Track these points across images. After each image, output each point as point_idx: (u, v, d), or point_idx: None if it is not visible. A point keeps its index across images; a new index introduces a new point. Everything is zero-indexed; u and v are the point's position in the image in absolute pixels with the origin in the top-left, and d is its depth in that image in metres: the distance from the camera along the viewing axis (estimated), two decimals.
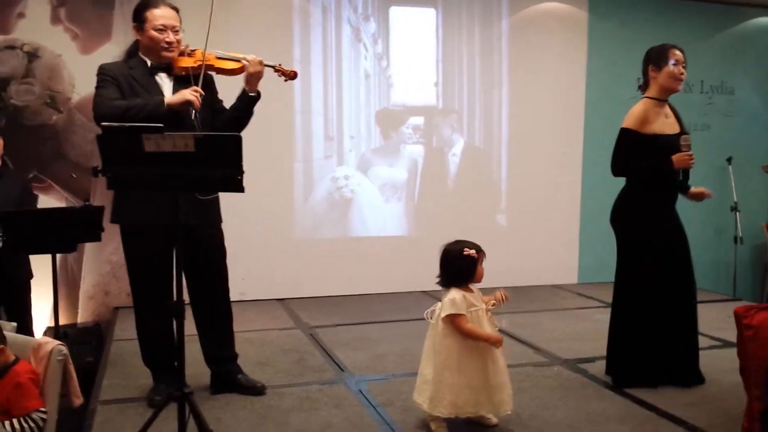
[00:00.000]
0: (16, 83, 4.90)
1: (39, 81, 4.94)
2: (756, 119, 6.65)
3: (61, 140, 5.01)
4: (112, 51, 5.02)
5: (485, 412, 2.95)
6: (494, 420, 3.04)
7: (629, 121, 3.49)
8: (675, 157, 3.42)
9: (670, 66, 3.46)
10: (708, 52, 6.30)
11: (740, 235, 6.12)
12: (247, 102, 3.28)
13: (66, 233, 3.59)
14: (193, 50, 3.26)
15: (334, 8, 5.57)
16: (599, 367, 3.82)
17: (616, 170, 3.55)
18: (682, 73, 3.48)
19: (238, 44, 3.43)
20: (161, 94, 3.18)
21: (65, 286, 5.03)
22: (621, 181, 3.64)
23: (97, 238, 3.72)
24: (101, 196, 4.96)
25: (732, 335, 3.23)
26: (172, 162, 2.55)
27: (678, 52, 3.48)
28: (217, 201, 3.34)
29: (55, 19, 5.00)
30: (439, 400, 2.88)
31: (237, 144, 2.62)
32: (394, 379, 3.65)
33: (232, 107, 3.35)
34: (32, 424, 2.39)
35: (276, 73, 3.34)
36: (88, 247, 5.06)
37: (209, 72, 3.31)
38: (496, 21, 5.97)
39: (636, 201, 3.54)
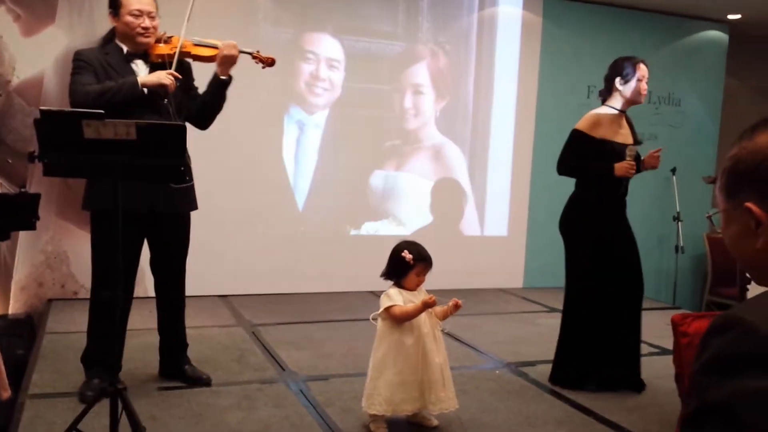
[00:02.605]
0: None
1: None
2: (701, 131, 6.82)
3: None
4: (54, 34, 4.89)
5: (421, 409, 2.96)
6: (435, 422, 3.04)
7: (581, 123, 3.58)
8: (617, 165, 3.49)
9: (637, 81, 3.52)
10: (657, 63, 6.39)
11: (681, 244, 6.26)
12: (219, 86, 3.28)
13: None
14: (170, 37, 3.25)
15: None
16: (540, 371, 3.86)
17: (561, 169, 3.63)
18: (645, 89, 3.56)
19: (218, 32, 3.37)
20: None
21: None
22: (569, 188, 3.68)
23: (31, 226, 3.56)
24: (38, 183, 4.79)
25: (669, 342, 3.29)
26: (113, 150, 2.48)
27: (645, 67, 3.55)
28: (191, 188, 3.31)
29: None
30: (375, 397, 2.89)
31: (180, 134, 2.57)
32: (336, 380, 3.61)
33: (203, 93, 3.34)
34: None
35: (253, 60, 3.34)
36: (22, 236, 4.86)
37: (186, 59, 3.29)
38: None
39: (583, 207, 3.60)
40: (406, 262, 2.91)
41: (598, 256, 3.54)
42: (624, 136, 3.60)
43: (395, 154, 5.91)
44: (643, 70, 3.53)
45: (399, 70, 5.86)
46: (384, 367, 2.90)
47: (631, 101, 3.57)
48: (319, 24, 5.59)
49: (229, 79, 3.29)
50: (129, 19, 3.12)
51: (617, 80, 3.56)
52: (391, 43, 5.82)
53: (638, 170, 3.59)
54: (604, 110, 3.60)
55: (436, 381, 2.90)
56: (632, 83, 3.52)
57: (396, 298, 2.90)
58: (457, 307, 2.94)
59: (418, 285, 2.97)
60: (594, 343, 3.54)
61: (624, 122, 3.63)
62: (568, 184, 3.66)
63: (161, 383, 3.41)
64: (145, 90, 3.09)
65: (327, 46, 5.64)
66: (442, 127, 6.01)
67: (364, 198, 5.85)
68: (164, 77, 3.07)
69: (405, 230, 5.85)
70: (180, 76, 3.13)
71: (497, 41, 6.09)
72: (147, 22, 3.14)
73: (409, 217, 5.94)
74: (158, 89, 3.08)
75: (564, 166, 3.61)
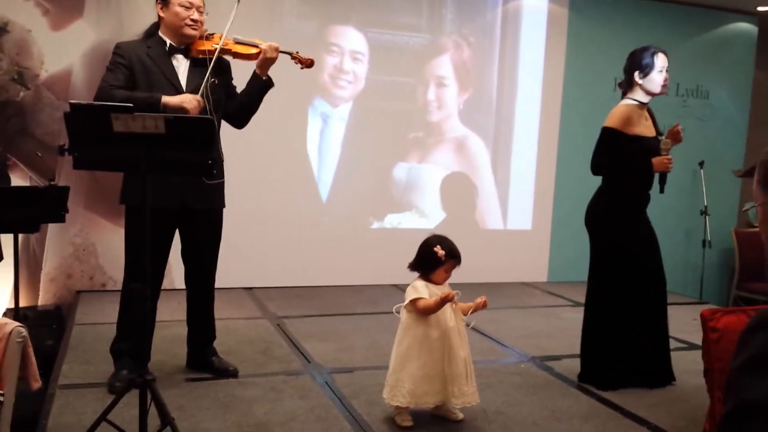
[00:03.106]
0: None
1: (7, 56, 4.80)
2: (730, 124, 6.73)
3: (28, 118, 4.88)
4: (82, 28, 4.95)
5: (444, 401, 2.96)
6: (460, 415, 3.04)
7: (613, 120, 3.47)
8: (655, 160, 3.44)
9: (656, 72, 3.44)
10: (685, 55, 6.35)
11: (709, 239, 6.19)
12: (259, 87, 3.33)
13: (29, 213, 3.49)
14: (212, 34, 3.30)
15: None
16: (565, 365, 3.84)
17: (596, 168, 3.53)
18: (666, 79, 3.48)
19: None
20: (176, 76, 3.21)
21: (26, 267, 4.91)
22: (594, 182, 3.64)
23: (60, 219, 3.63)
24: (67, 176, 4.85)
25: (697, 338, 3.26)
26: (141, 143, 2.49)
27: (664, 57, 3.46)
28: (222, 185, 3.35)
29: None
30: (398, 389, 2.89)
31: (209, 128, 2.58)
32: (360, 372, 3.62)
33: (242, 92, 3.38)
34: None
35: (293, 61, 3.37)
36: (51, 229, 4.94)
37: (226, 57, 3.32)
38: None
39: (611, 202, 3.54)
40: (438, 258, 2.91)
41: (622, 252, 3.51)
42: (649, 128, 3.54)
43: (418, 146, 5.90)
44: (662, 59, 3.45)
45: (422, 63, 5.84)
46: (407, 360, 2.90)
47: (652, 93, 3.49)
48: (343, 17, 5.59)
49: (271, 81, 3.33)
50: (179, 9, 3.16)
51: (637, 73, 3.47)
52: (415, 35, 5.81)
53: None
54: (630, 104, 3.51)
55: (460, 375, 2.90)
56: (653, 75, 3.44)
57: (422, 290, 2.90)
58: (483, 305, 2.93)
59: (445, 280, 2.96)
60: (616, 340, 3.50)
61: (646, 114, 3.57)
62: (595, 177, 3.61)
63: (189, 374, 3.45)
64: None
65: (351, 39, 5.64)
66: (465, 120, 5.99)
67: (387, 190, 5.85)
68: (188, 101, 3.08)
69: (428, 222, 5.85)
70: (203, 105, 3.13)
71: (522, 33, 6.06)
72: (195, 15, 3.19)
73: (432, 209, 5.94)
74: (179, 112, 3.06)
75: (599, 167, 3.52)
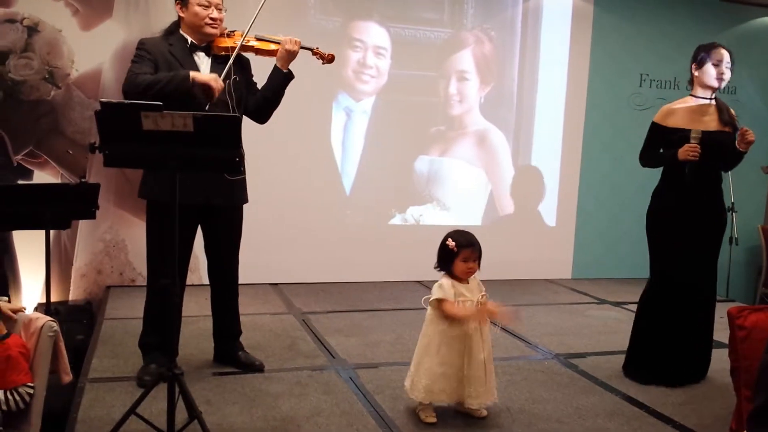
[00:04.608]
0: (14, 57, 4.84)
1: (38, 56, 4.89)
2: (757, 120, 6.61)
3: (59, 116, 4.97)
4: (111, 28, 5.02)
5: (458, 401, 2.98)
6: (484, 412, 3.05)
7: (657, 114, 3.66)
8: (680, 149, 3.45)
9: (710, 65, 3.51)
10: None
11: (736, 236, 6.11)
12: (280, 80, 3.34)
13: (60, 210, 3.55)
14: (233, 32, 3.32)
15: None
16: (590, 363, 3.84)
17: (641, 161, 3.73)
18: (722, 73, 3.52)
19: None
20: (198, 72, 3.21)
21: (58, 263, 5.01)
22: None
23: (91, 215, 3.68)
24: (97, 173, 4.93)
25: (723, 336, 3.24)
26: (170, 141, 2.53)
27: (722, 52, 3.53)
28: (243, 181, 3.38)
29: None
30: (416, 384, 2.93)
31: (236, 125, 2.62)
32: (384, 368, 3.65)
33: (263, 87, 3.40)
34: (18, 398, 2.38)
35: (314, 56, 3.39)
36: (82, 225, 5.03)
37: (247, 53, 3.35)
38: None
39: (658, 197, 3.64)
40: (450, 249, 2.92)
41: (671, 249, 3.54)
42: (706, 123, 3.53)
43: (440, 139, 5.92)
44: (719, 53, 3.52)
45: (444, 57, 5.86)
46: (426, 354, 2.92)
47: (708, 85, 3.53)
48: (366, 12, 5.62)
49: (291, 74, 3.34)
50: (197, 9, 3.19)
51: (693, 65, 3.57)
52: (437, 30, 5.82)
53: (733, 155, 3.54)
54: (684, 100, 3.62)
55: (478, 377, 2.90)
56: (706, 66, 3.51)
57: (447, 290, 2.90)
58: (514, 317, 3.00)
59: (467, 273, 2.93)
60: (666, 338, 3.54)
61: (711, 109, 3.56)
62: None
63: (216, 369, 3.50)
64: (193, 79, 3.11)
65: (374, 35, 5.67)
66: (487, 113, 5.99)
67: (409, 183, 5.88)
68: (214, 79, 3.10)
69: (450, 215, 5.88)
70: (222, 86, 3.14)
71: (543, 28, 6.04)
72: (215, 14, 3.21)
73: (453, 202, 5.95)
74: (205, 88, 3.10)
75: (642, 158, 3.70)
